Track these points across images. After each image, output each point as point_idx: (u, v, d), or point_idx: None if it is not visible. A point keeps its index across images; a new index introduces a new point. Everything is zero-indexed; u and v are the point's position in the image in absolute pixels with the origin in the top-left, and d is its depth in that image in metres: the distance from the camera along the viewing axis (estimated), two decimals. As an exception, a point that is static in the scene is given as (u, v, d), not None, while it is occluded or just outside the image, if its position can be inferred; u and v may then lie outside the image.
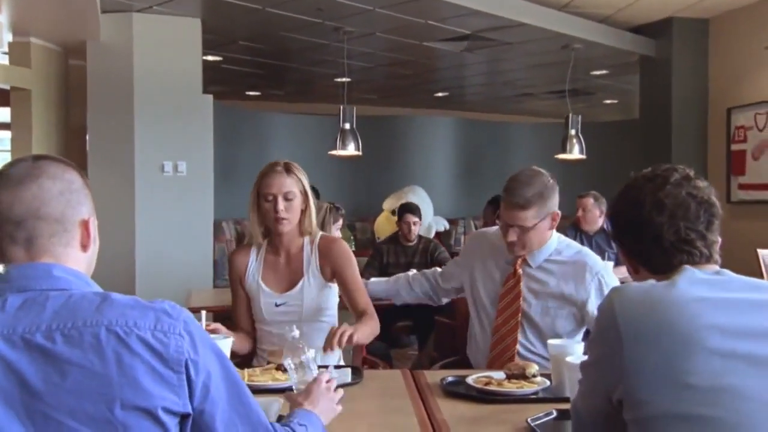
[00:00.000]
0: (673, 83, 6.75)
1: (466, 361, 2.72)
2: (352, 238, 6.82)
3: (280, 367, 2.19)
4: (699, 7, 6.40)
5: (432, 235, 7.74)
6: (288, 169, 2.52)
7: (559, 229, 2.62)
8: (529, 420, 1.76)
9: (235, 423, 1.23)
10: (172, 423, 1.15)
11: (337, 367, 2.35)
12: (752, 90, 6.29)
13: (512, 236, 2.50)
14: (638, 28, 6.94)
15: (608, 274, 2.54)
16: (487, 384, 2.08)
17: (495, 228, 2.80)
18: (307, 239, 2.59)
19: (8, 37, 5.93)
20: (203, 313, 2.21)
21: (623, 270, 3.98)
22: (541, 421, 1.77)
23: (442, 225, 8.40)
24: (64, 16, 5.41)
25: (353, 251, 2.74)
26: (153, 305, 1.18)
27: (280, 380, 2.11)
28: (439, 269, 3.00)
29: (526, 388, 2.05)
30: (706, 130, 6.80)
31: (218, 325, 2.33)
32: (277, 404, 1.76)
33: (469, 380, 2.12)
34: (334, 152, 6.40)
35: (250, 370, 2.22)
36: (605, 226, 5.37)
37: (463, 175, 9.51)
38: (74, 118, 6.77)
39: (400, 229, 5.40)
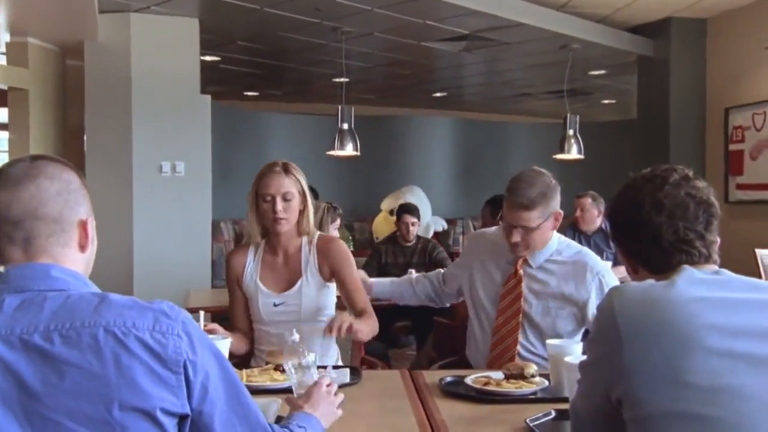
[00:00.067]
0: (671, 83, 6.76)
1: (465, 362, 2.72)
2: (350, 238, 6.82)
3: (279, 368, 2.19)
4: (697, 8, 6.41)
5: (430, 235, 7.75)
6: (286, 170, 2.52)
7: (557, 229, 2.62)
8: (527, 420, 1.76)
9: (234, 424, 1.23)
10: (170, 424, 1.15)
11: (336, 367, 2.35)
12: (750, 90, 6.30)
13: (516, 237, 2.49)
14: (636, 28, 6.94)
15: (609, 274, 2.54)
16: (485, 384, 2.08)
17: (494, 228, 2.81)
18: (305, 239, 2.60)
19: (5, 37, 5.92)
20: (201, 313, 2.21)
21: (622, 270, 3.99)
22: (540, 421, 1.77)
23: (441, 225, 8.40)
24: (62, 16, 5.41)
25: (351, 251, 2.74)
26: (151, 306, 1.18)
27: (279, 381, 2.11)
28: (442, 271, 3.00)
29: (525, 388, 2.05)
30: (704, 130, 6.81)
31: (215, 326, 2.33)
32: (275, 405, 1.75)
33: (468, 380, 2.12)
34: (332, 152, 6.40)
35: (249, 370, 2.21)
36: (603, 226, 5.37)
37: (461, 175, 9.52)
38: (72, 118, 6.76)
39: (398, 230, 5.40)
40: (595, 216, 5.37)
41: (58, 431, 1.10)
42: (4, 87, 6.05)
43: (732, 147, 6.49)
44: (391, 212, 7.47)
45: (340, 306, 2.67)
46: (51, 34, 6.04)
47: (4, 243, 1.22)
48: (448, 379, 2.20)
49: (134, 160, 5.91)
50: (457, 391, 2.09)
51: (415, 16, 5.85)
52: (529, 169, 2.57)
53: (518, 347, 2.54)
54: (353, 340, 2.86)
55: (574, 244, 2.65)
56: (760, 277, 4.50)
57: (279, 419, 1.66)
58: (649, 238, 1.40)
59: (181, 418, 1.17)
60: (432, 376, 2.27)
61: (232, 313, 2.68)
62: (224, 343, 2.08)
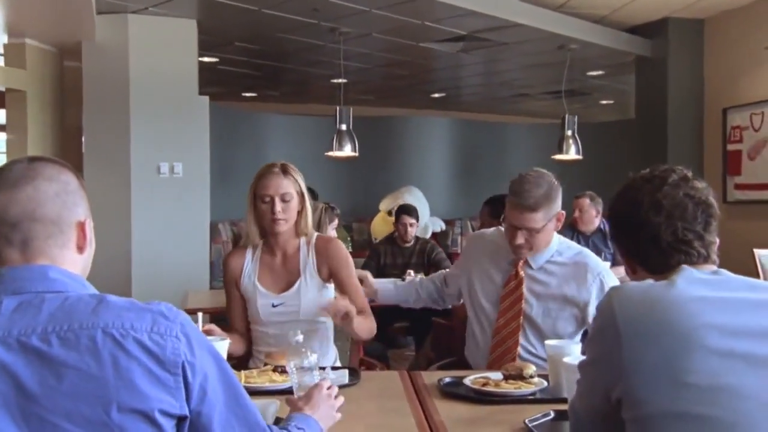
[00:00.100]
0: (668, 83, 6.76)
1: (464, 362, 2.71)
2: (348, 239, 6.83)
3: (277, 369, 2.19)
4: (694, 8, 6.41)
5: (428, 236, 7.74)
6: (285, 171, 2.53)
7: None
8: (526, 421, 1.76)
9: (232, 425, 1.23)
10: (168, 425, 1.15)
11: (334, 368, 2.35)
12: (748, 90, 6.31)
13: (520, 239, 2.48)
14: (634, 28, 6.95)
15: (609, 274, 2.53)
16: (484, 385, 2.08)
17: (493, 229, 2.80)
18: (303, 240, 2.60)
19: (3, 39, 5.92)
20: (200, 314, 2.20)
21: (621, 270, 3.98)
22: (539, 422, 1.77)
23: (439, 226, 8.40)
24: (60, 18, 5.40)
25: (350, 252, 2.74)
26: (149, 307, 1.18)
27: (278, 382, 2.11)
28: (444, 272, 3.00)
29: (524, 388, 2.05)
30: (702, 130, 6.82)
31: (213, 326, 2.32)
32: (274, 406, 1.75)
33: (467, 381, 2.12)
34: (330, 153, 6.40)
35: (247, 371, 2.21)
36: (602, 227, 5.37)
37: (459, 175, 9.52)
38: (70, 119, 6.75)
39: (396, 230, 5.40)
40: (593, 216, 5.37)
41: (55, 433, 1.09)
42: (2, 88, 6.04)
43: (730, 147, 6.50)
44: (389, 213, 7.47)
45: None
46: (48, 36, 6.04)
47: (2, 245, 1.22)
48: (447, 379, 2.20)
49: (132, 161, 5.91)
50: (455, 392, 2.09)
51: (413, 16, 5.85)
52: (531, 170, 2.55)
53: (519, 349, 2.53)
54: (352, 341, 2.86)
55: (574, 244, 2.65)
56: (758, 277, 4.50)
57: (278, 420, 1.66)
58: (648, 239, 1.40)
59: (180, 420, 1.17)
60: (431, 377, 2.27)
61: (229, 314, 2.68)
62: (223, 345, 2.07)
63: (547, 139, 7.71)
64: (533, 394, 2.04)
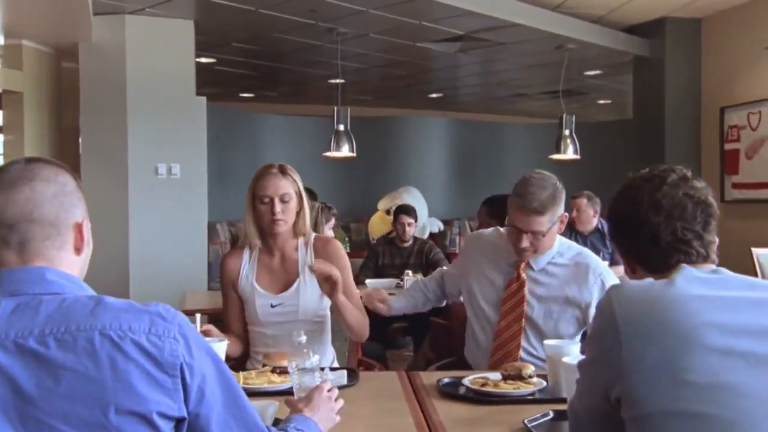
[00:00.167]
0: (666, 83, 6.77)
1: (463, 362, 2.70)
2: (346, 239, 6.82)
3: (275, 370, 2.18)
4: (692, 7, 6.42)
5: (425, 236, 7.74)
6: (283, 171, 2.53)
7: None
8: (525, 421, 1.75)
9: (231, 426, 1.22)
10: (167, 427, 1.14)
11: (333, 369, 2.35)
12: (745, 89, 6.31)
13: (525, 243, 2.45)
14: (631, 28, 6.95)
15: (610, 274, 2.52)
16: (483, 385, 2.07)
17: (491, 229, 2.79)
18: (301, 240, 2.60)
19: (0, 40, 5.91)
20: (198, 316, 2.20)
21: (620, 270, 3.99)
22: (538, 422, 1.77)
23: (437, 226, 8.40)
24: (56, 19, 5.39)
25: (348, 252, 2.74)
26: (147, 308, 1.18)
27: (276, 383, 2.11)
28: (442, 269, 2.98)
29: (523, 389, 2.05)
30: (699, 129, 6.82)
31: (210, 327, 2.32)
32: (272, 407, 1.75)
33: (466, 381, 2.12)
34: (328, 153, 6.40)
35: (246, 373, 2.21)
36: (600, 226, 5.37)
37: (457, 175, 9.52)
38: (67, 120, 6.75)
39: (395, 230, 5.40)
40: (591, 216, 5.36)
41: (53, 436, 1.09)
42: (-1, 90, 6.04)
43: (728, 146, 6.51)
44: (387, 211, 7.47)
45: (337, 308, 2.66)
46: (45, 37, 6.03)
47: (-1, 246, 1.21)
48: (446, 380, 2.19)
49: (130, 162, 5.91)
50: (454, 392, 2.09)
51: (410, 17, 5.85)
52: (534, 172, 2.52)
53: (520, 351, 2.51)
54: (350, 341, 2.86)
55: (575, 245, 2.63)
56: (756, 276, 4.50)
57: (277, 421, 1.66)
58: (647, 238, 1.40)
59: (178, 422, 1.17)
60: (429, 377, 2.27)
61: (225, 315, 2.68)
62: (221, 346, 2.07)
63: (545, 139, 7.71)
64: (532, 394, 2.04)
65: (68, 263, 1.25)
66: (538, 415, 1.80)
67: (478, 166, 9.41)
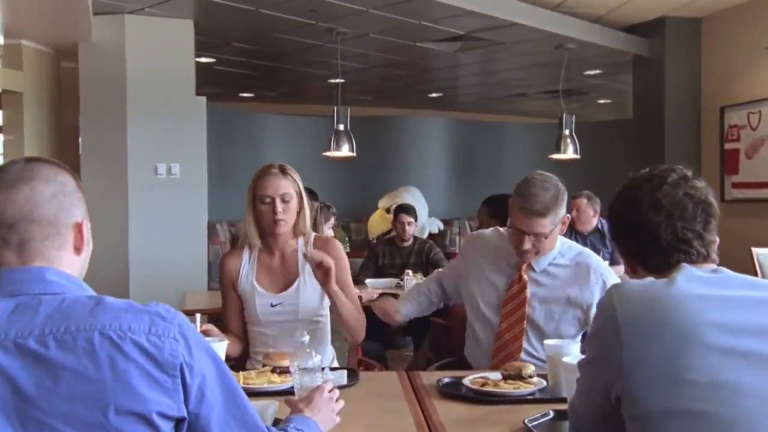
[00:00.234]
0: (666, 82, 6.77)
1: (463, 362, 2.69)
2: (346, 239, 6.82)
3: (276, 370, 2.18)
4: (692, 7, 6.42)
5: (425, 235, 7.74)
6: (283, 171, 2.53)
7: None
8: (525, 421, 1.75)
9: (231, 426, 1.22)
10: (167, 427, 1.14)
11: (333, 368, 2.35)
12: (745, 89, 6.31)
13: (527, 245, 2.43)
14: (631, 27, 6.95)
15: (611, 273, 2.52)
16: (483, 385, 2.07)
17: (491, 229, 2.77)
18: (301, 240, 2.60)
19: (0, 40, 5.91)
20: (198, 316, 2.20)
21: (620, 269, 3.99)
22: (538, 421, 1.77)
23: (437, 226, 8.39)
24: (56, 19, 5.39)
25: (348, 252, 2.74)
26: (147, 308, 1.17)
27: (276, 383, 2.10)
28: (438, 271, 2.97)
29: (523, 388, 2.04)
30: (699, 129, 6.82)
31: (210, 326, 2.32)
32: (272, 407, 1.75)
33: (466, 381, 2.12)
34: (328, 153, 6.40)
35: (246, 373, 2.21)
36: (599, 226, 5.37)
37: (457, 175, 9.51)
38: (66, 120, 6.75)
39: (395, 230, 5.41)
40: (590, 216, 5.36)
41: (53, 436, 1.09)
42: (-1, 90, 6.04)
43: (727, 146, 6.51)
44: (387, 210, 7.47)
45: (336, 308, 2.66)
46: (45, 37, 6.03)
47: (-1, 246, 1.21)
48: (446, 380, 2.19)
49: (129, 162, 5.91)
50: (454, 392, 2.08)
51: (410, 16, 5.85)
52: (536, 173, 2.50)
53: (521, 352, 2.50)
54: (349, 341, 2.86)
55: (575, 245, 2.62)
56: (756, 275, 4.50)
57: (277, 421, 1.65)
58: (648, 238, 1.40)
59: (178, 422, 1.16)
60: (429, 377, 2.27)
61: (225, 315, 2.68)
62: (221, 346, 2.07)
63: (545, 139, 7.70)
64: (532, 394, 2.04)
65: (68, 263, 1.24)
66: (539, 414, 1.79)
67: (477, 166, 9.40)
